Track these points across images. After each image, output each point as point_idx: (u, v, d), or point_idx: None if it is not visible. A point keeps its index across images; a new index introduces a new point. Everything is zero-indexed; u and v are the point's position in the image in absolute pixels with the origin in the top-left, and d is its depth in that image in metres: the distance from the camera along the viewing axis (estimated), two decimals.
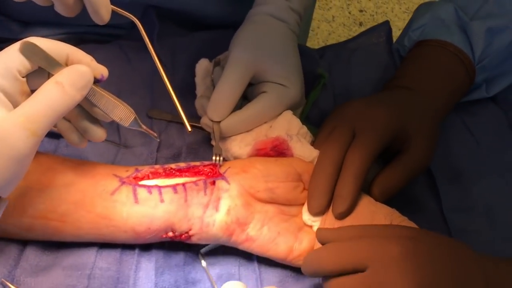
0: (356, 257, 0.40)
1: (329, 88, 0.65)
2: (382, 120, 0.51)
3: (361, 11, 1.71)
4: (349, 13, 1.73)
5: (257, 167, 0.50)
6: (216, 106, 0.52)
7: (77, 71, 0.38)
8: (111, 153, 0.57)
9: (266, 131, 0.55)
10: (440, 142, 0.57)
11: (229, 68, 0.53)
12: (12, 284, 0.44)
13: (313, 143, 0.55)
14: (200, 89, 0.59)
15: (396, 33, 0.71)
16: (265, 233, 0.48)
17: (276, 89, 0.54)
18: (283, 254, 0.48)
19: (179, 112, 0.45)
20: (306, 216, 0.49)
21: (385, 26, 0.70)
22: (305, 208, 0.50)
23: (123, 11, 0.44)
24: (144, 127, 0.44)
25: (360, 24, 1.55)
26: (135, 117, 0.43)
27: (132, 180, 0.47)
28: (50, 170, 0.45)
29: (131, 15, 0.44)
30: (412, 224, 0.46)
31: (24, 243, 0.47)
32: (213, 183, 0.49)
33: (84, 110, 0.43)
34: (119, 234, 0.47)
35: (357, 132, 0.51)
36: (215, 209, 0.48)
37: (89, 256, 0.47)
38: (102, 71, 0.41)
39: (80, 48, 0.40)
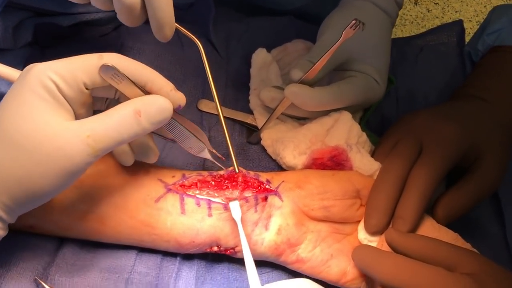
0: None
1: (391, 90, 0.59)
2: (453, 137, 0.46)
3: None
4: None
5: (313, 182, 0.46)
6: (302, 67, 0.48)
7: (159, 105, 0.36)
8: (159, 146, 0.52)
9: (322, 137, 0.50)
10: (510, 161, 0.50)
11: (320, 46, 0.49)
12: (46, 284, 0.40)
13: (372, 153, 0.50)
14: (254, 82, 0.55)
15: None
16: (317, 255, 0.45)
17: (367, 79, 0.50)
18: (335, 278, 0.44)
19: (230, 149, 0.44)
20: (363, 235, 0.46)
21: (458, 26, 0.62)
22: (361, 226, 0.46)
23: (187, 32, 0.43)
24: (211, 156, 0.44)
25: (415, 3, 1.38)
26: (205, 149, 0.43)
27: (178, 188, 0.44)
28: (92, 169, 0.43)
29: (193, 37, 0.44)
30: (475, 251, 0.42)
31: (61, 239, 0.44)
32: (265, 198, 0.45)
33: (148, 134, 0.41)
34: (160, 243, 0.43)
35: (424, 147, 0.46)
36: (264, 227, 0.44)
37: (128, 258, 0.44)
38: (181, 101, 0.39)
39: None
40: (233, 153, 0.44)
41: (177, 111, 0.39)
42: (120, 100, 0.39)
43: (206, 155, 0.44)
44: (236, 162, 0.44)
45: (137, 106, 0.35)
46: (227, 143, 0.45)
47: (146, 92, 0.37)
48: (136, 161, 0.45)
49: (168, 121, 0.38)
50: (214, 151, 0.44)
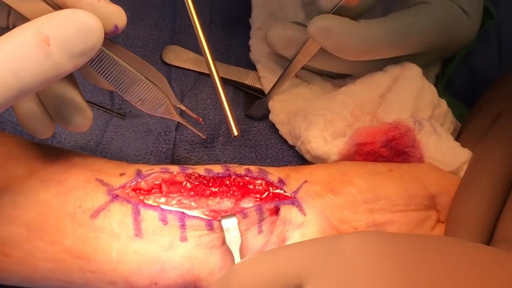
0: None
1: (489, 29, 0.59)
2: None
3: None
4: None
5: (357, 184, 0.46)
6: None
7: (79, 25, 0.36)
8: (97, 126, 0.54)
9: (372, 108, 0.51)
10: None
11: None
12: None
13: (457, 135, 0.52)
14: (258, 16, 0.56)
15: None
16: None
17: (447, 7, 0.51)
18: None
19: (225, 109, 0.46)
20: None
21: None
22: None
23: None
24: (178, 116, 0.45)
25: None
26: (166, 101, 0.43)
27: (131, 194, 0.44)
28: None
29: None
30: None
31: None
32: (275, 211, 0.45)
33: (67, 80, 0.42)
34: (101, 285, 0.43)
35: None
36: None
37: None
38: (116, 18, 0.38)
39: None
40: (229, 110, 0.45)
41: (111, 37, 0.39)
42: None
43: (170, 112, 0.44)
44: (234, 124, 0.46)
45: (42, 29, 0.35)
46: (218, 94, 0.46)
47: (58, 7, 0.37)
48: (58, 150, 0.45)
49: (97, 53, 0.38)
50: (183, 107, 0.45)
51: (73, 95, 0.42)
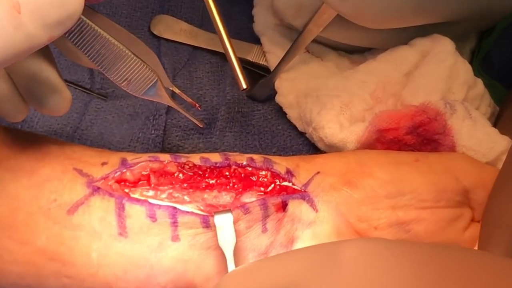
0: None
1: None
2: None
3: None
4: None
5: (378, 175, 0.47)
6: None
7: None
8: (75, 108, 0.54)
9: (396, 89, 0.52)
10: None
11: None
12: None
13: (495, 120, 0.53)
14: None
15: None
16: None
17: None
18: None
19: (229, 55, 0.47)
20: None
21: None
22: None
23: None
24: (170, 99, 0.45)
25: None
26: (156, 80, 0.44)
27: (114, 187, 0.45)
28: None
29: None
30: None
31: None
32: (283, 207, 0.45)
33: (41, 55, 0.42)
34: None
35: None
36: None
37: None
38: None
39: None
40: (235, 58, 0.46)
41: (92, 4, 0.40)
42: None
43: (160, 95, 0.44)
44: (242, 75, 0.46)
45: None
46: (219, 34, 0.47)
47: None
48: (31, 135, 0.46)
49: (76, 23, 0.38)
50: (176, 89, 0.45)
51: (49, 72, 0.42)
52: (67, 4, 0.36)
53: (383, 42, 0.52)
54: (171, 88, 0.45)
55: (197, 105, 0.47)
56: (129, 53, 0.42)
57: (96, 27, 0.40)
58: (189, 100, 0.47)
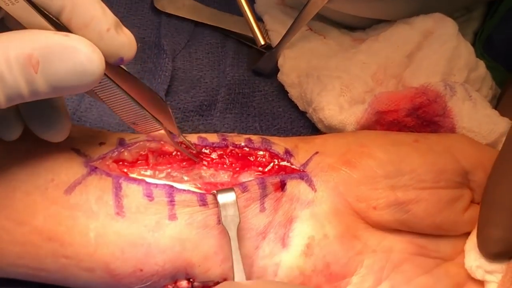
0: None
1: None
2: None
3: None
4: None
5: (377, 156, 0.47)
6: None
7: (75, 64, 0.36)
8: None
9: (397, 70, 0.52)
10: None
11: None
12: None
13: (496, 103, 0.53)
14: None
15: None
16: None
17: None
18: None
19: (245, 12, 0.50)
20: (474, 261, 0.47)
21: None
22: (471, 243, 0.47)
23: None
24: (172, 142, 0.45)
25: None
26: (163, 133, 0.44)
27: (111, 166, 0.45)
28: None
29: None
30: None
31: None
32: (281, 186, 0.45)
33: None
34: (77, 272, 0.44)
35: None
36: (280, 242, 0.45)
37: None
38: (125, 51, 0.39)
39: None
40: (253, 18, 0.49)
41: (116, 64, 0.40)
42: (8, 24, 0.39)
43: (165, 141, 0.45)
44: (260, 32, 0.50)
45: (34, 50, 0.35)
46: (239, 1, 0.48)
47: (61, 26, 0.37)
48: None
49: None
50: (182, 136, 0.45)
51: (62, 101, 0.42)
52: (84, 80, 0.36)
53: (392, 11, 0.52)
54: (178, 140, 0.46)
55: (192, 146, 0.47)
56: (145, 113, 0.43)
57: (115, 88, 0.41)
58: (193, 153, 0.46)
